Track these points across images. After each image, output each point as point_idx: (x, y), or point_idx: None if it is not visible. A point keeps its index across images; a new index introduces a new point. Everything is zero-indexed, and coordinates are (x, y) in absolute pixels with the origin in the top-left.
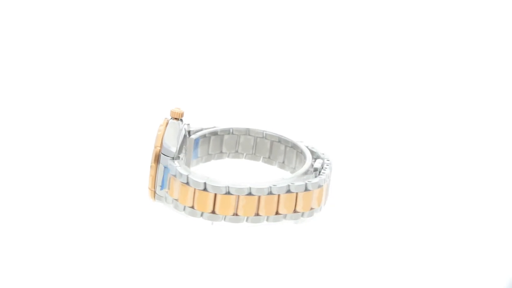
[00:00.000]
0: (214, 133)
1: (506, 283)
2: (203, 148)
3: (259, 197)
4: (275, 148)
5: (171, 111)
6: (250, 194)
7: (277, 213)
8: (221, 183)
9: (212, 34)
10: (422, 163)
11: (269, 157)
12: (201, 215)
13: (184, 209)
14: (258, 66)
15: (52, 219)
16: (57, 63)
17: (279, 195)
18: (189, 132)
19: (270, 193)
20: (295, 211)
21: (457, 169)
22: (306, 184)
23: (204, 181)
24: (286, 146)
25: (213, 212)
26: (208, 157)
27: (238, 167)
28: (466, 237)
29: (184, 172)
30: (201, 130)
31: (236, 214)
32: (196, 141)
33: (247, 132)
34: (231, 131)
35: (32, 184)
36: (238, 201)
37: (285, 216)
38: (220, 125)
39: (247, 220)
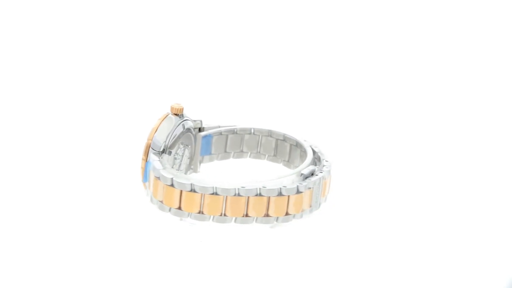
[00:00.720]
0: (232, 132)
1: (506, 283)
2: (219, 146)
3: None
4: (281, 147)
5: (170, 106)
6: (215, 193)
7: (266, 215)
8: (186, 181)
9: (215, 34)
10: (423, 164)
11: (274, 155)
12: (169, 210)
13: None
14: (260, 65)
15: (49, 216)
16: (58, 62)
17: (269, 197)
18: (200, 128)
19: (238, 194)
20: (266, 215)
21: (457, 169)
22: (280, 189)
23: (171, 177)
24: (291, 145)
25: (179, 208)
26: (226, 154)
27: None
28: (466, 237)
29: (161, 169)
30: (218, 127)
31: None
32: (207, 137)
33: (269, 133)
34: (252, 131)
35: (31, 183)
36: (203, 199)
37: (276, 219)
38: (239, 124)
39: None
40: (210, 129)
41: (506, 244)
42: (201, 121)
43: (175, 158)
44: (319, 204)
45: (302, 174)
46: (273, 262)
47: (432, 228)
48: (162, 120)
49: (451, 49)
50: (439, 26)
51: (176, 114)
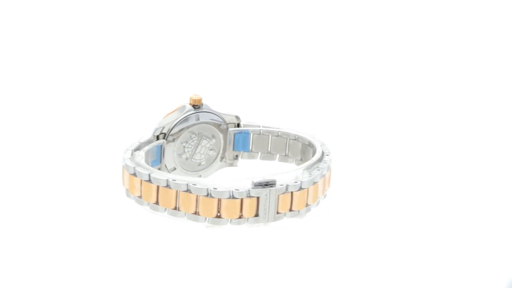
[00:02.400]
0: (275, 134)
1: (506, 283)
2: (260, 145)
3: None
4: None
5: (190, 97)
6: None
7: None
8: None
9: (218, 34)
10: (424, 164)
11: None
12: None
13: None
14: (266, 63)
15: (47, 214)
16: (75, 60)
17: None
18: (237, 124)
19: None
20: (240, 217)
21: (458, 169)
22: (248, 190)
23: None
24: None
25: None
26: (268, 155)
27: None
28: (466, 237)
29: (131, 164)
30: (258, 126)
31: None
32: (243, 134)
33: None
34: (296, 137)
35: (33, 183)
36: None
37: (247, 220)
38: (282, 127)
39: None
40: (249, 127)
41: (506, 244)
42: (236, 117)
43: (184, 146)
44: (272, 215)
45: (252, 181)
46: (272, 262)
47: (432, 227)
48: (176, 109)
49: (452, 48)
50: (443, 23)
51: (194, 105)
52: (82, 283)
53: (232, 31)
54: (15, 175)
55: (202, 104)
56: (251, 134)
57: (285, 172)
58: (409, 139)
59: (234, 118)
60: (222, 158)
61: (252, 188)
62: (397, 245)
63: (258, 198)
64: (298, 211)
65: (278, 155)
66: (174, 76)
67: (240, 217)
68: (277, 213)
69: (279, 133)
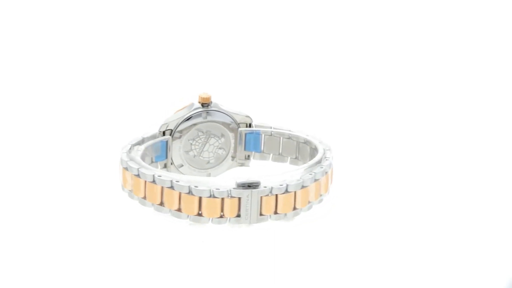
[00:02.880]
0: (286, 136)
1: (506, 283)
2: (271, 146)
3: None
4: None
5: (198, 95)
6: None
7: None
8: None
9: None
10: (425, 164)
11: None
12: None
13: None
14: (267, 62)
15: (42, 216)
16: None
17: (222, 198)
18: (249, 124)
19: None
20: (221, 217)
21: (458, 168)
22: (230, 190)
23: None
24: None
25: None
26: (280, 157)
27: None
28: (466, 237)
29: (125, 159)
30: (270, 128)
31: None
32: (254, 135)
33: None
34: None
35: (33, 180)
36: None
37: (228, 220)
38: (293, 129)
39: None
40: (260, 128)
41: (506, 244)
42: (247, 117)
43: (191, 144)
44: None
45: (236, 182)
46: (252, 263)
47: (432, 228)
48: (184, 107)
49: (452, 47)
50: (443, 23)
51: (202, 104)
52: (83, 282)
53: (245, 32)
54: (17, 174)
55: (211, 103)
56: (262, 135)
57: (280, 174)
58: (411, 141)
59: (246, 118)
60: (233, 157)
61: (234, 188)
62: (396, 245)
63: (239, 198)
64: (285, 214)
65: (289, 158)
66: (188, 74)
67: (221, 217)
68: (261, 215)
69: (290, 135)
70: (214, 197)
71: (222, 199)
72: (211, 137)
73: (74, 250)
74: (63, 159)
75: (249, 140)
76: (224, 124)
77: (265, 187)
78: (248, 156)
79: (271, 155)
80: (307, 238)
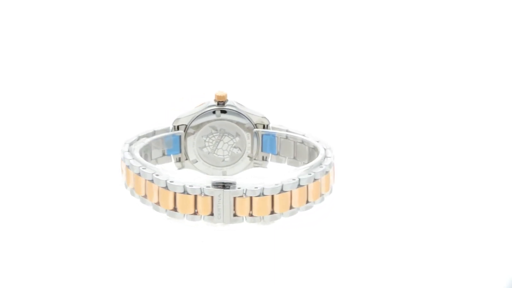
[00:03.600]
0: (299, 140)
1: (506, 283)
2: (286, 150)
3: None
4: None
5: (214, 93)
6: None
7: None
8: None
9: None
10: (425, 164)
11: None
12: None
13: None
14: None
15: (43, 215)
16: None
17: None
18: (266, 125)
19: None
20: (195, 213)
21: (458, 168)
22: (202, 188)
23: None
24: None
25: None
26: (294, 161)
27: None
28: (466, 237)
29: (124, 149)
30: (286, 131)
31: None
32: (270, 137)
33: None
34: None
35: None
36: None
37: (202, 217)
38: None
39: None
40: (276, 130)
41: (506, 244)
42: (264, 118)
43: (204, 140)
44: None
45: (211, 180)
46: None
47: (432, 228)
48: (201, 104)
49: (453, 46)
50: (443, 23)
51: (218, 102)
52: (85, 281)
53: (244, 31)
54: (20, 172)
55: (226, 101)
56: (277, 138)
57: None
58: (411, 141)
59: (262, 118)
60: (250, 157)
61: (207, 186)
62: (396, 245)
63: (212, 197)
64: (262, 217)
65: (301, 162)
66: (214, 74)
67: (195, 213)
68: (235, 215)
69: (302, 140)
70: (187, 193)
71: (195, 196)
72: (225, 136)
73: (73, 244)
74: (69, 154)
75: (265, 141)
76: (239, 123)
77: (239, 188)
78: (265, 157)
79: (287, 158)
80: (305, 238)
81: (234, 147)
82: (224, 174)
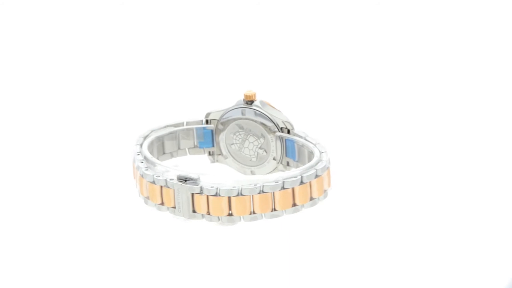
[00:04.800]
0: (311, 150)
1: (506, 283)
2: (302, 157)
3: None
4: None
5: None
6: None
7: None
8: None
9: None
10: (424, 164)
11: None
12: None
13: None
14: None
15: (47, 215)
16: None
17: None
18: (288, 130)
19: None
20: (161, 203)
21: (456, 167)
22: (166, 180)
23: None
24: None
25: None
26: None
27: None
28: (466, 237)
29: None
30: (304, 138)
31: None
32: (290, 142)
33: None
34: None
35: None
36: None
37: (167, 209)
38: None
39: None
40: (295, 136)
41: (506, 244)
42: (288, 122)
43: (232, 138)
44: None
45: (178, 175)
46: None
47: (432, 228)
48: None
49: (453, 47)
50: (442, 23)
51: (247, 101)
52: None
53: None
54: (27, 171)
55: (254, 101)
56: (296, 144)
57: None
58: (408, 142)
59: (286, 123)
60: (275, 159)
61: (171, 179)
62: (395, 245)
63: (173, 190)
64: (219, 217)
65: None
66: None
67: (161, 204)
68: (193, 211)
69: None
70: (154, 183)
71: (161, 187)
72: (250, 135)
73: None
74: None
75: (288, 146)
76: (262, 125)
77: (197, 185)
78: (289, 163)
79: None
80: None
81: (260, 148)
82: (252, 173)
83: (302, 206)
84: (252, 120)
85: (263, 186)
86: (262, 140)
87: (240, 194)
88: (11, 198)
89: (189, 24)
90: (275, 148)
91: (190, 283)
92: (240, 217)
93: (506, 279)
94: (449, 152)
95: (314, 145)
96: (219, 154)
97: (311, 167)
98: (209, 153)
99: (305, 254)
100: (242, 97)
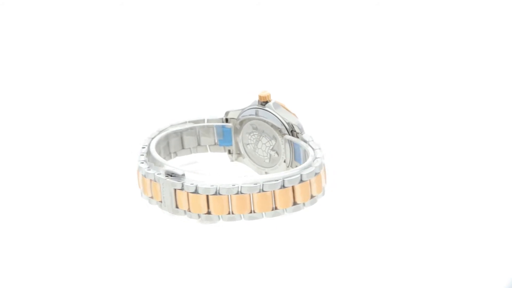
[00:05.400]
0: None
1: (506, 283)
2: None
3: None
4: None
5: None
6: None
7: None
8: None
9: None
10: (425, 163)
11: None
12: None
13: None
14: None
15: (52, 216)
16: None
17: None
18: (297, 134)
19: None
20: (151, 197)
21: (455, 165)
22: (155, 174)
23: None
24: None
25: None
26: None
27: None
28: (466, 237)
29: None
30: (307, 143)
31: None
32: (296, 146)
33: None
34: None
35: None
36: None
37: (156, 202)
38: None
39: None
40: (301, 141)
41: (506, 244)
42: (297, 126)
43: (248, 138)
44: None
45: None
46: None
47: (432, 228)
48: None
49: (453, 47)
50: (442, 23)
51: (262, 102)
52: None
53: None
54: (34, 170)
55: (269, 102)
56: (301, 149)
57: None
58: (405, 141)
59: (295, 126)
60: (285, 162)
61: (158, 174)
62: (395, 245)
63: (160, 185)
64: (198, 215)
65: None
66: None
67: (151, 197)
68: (176, 207)
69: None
70: (145, 177)
71: (150, 180)
72: (263, 136)
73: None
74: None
75: (296, 150)
76: (273, 126)
77: (179, 181)
78: (297, 166)
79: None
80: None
81: (272, 149)
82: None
83: (284, 211)
84: (265, 121)
85: (240, 187)
86: (273, 142)
87: (217, 193)
88: (17, 199)
89: (208, 23)
90: (285, 151)
91: (186, 282)
92: (218, 216)
93: (506, 279)
94: (447, 149)
95: (307, 142)
96: (238, 153)
97: (274, 178)
98: (229, 152)
99: (301, 252)
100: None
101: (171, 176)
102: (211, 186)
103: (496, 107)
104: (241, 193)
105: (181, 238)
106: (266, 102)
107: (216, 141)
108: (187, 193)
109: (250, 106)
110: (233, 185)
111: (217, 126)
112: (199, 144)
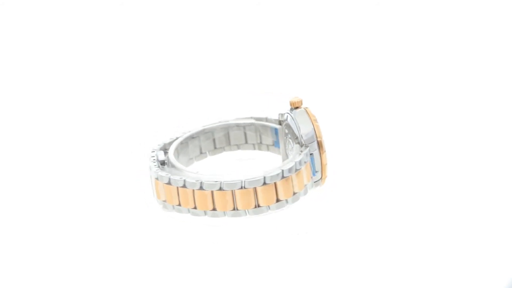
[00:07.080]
0: None
1: (506, 283)
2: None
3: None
4: None
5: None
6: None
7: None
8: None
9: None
10: (425, 163)
11: None
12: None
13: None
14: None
15: (57, 217)
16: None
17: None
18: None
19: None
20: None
21: (454, 164)
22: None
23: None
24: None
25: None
26: None
27: None
28: (466, 237)
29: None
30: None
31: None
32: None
33: None
34: None
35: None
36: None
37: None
38: None
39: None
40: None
41: (506, 244)
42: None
43: (286, 140)
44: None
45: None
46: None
47: (432, 228)
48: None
49: (453, 47)
50: (442, 23)
51: (292, 108)
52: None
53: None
54: (41, 171)
55: (298, 108)
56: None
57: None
58: (404, 139)
59: (309, 138)
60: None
61: (155, 164)
62: (395, 244)
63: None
64: (173, 206)
65: None
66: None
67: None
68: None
69: None
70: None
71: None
72: (292, 141)
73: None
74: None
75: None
76: (293, 134)
77: (156, 171)
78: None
79: None
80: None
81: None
82: None
83: (268, 208)
84: (290, 126)
85: (222, 183)
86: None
87: (201, 188)
88: (19, 201)
89: (208, 23)
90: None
91: (186, 281)
92: (203, 211)
93: (506, 279)
94: (447, 148)
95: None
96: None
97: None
98: (279, 152)
99: (301, 251)
100: None
101: (162, 164)
102: (196, 181)
103: (498, 107)
104: (222, 189)
105: (184, 236)
106: (297, 107)
107: (273, 141)
108: (177, 188)
109: (286, 111)
110: (215, 181)
111: (272, 128)
112: (261, 142)
